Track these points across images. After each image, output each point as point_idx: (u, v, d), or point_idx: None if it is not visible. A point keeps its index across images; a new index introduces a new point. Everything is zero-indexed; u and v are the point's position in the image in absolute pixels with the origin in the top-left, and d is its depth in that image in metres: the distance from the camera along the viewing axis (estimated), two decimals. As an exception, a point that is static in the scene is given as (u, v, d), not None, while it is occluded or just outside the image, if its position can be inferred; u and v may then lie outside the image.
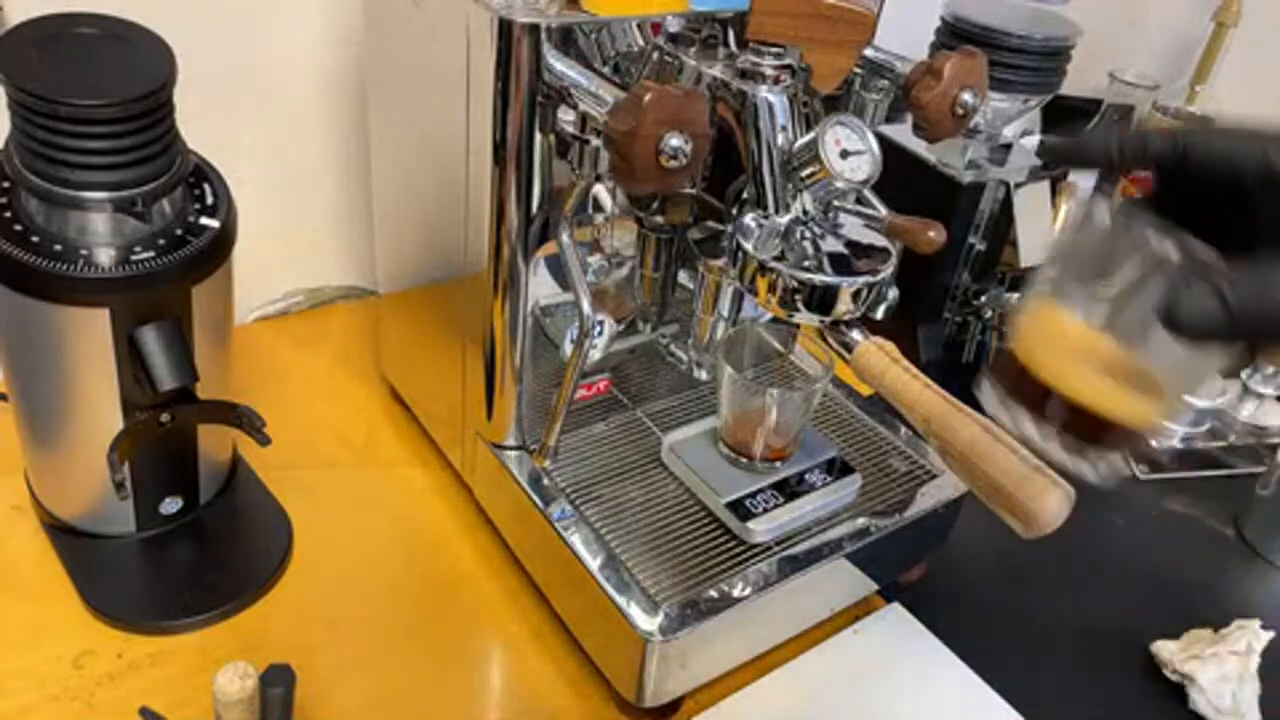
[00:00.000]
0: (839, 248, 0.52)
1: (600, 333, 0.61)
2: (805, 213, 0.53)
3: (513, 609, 0.66)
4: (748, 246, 0.51)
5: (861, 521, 0.64)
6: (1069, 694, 0.66)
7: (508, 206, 0.57)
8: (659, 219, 0.61)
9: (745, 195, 0.53)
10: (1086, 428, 0.36)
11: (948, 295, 0.93)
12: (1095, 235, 0.35)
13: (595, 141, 0.52)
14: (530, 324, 0.62)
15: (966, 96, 0.54)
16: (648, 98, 0.44)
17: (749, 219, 0.52)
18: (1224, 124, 0.35)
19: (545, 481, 0.64)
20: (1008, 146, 0.92)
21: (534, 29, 0.51)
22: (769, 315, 0.67)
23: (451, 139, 0.59)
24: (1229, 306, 0.30)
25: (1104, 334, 0.35)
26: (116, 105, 0.51)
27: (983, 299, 0.92)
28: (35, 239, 0.53)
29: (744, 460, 0.65)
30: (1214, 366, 0.35)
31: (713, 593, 0.58)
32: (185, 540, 0.66)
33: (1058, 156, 0.38)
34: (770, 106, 0.52)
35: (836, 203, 0.54)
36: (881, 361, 0.50)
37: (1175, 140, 0.35)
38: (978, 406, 0.45)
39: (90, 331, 0.55)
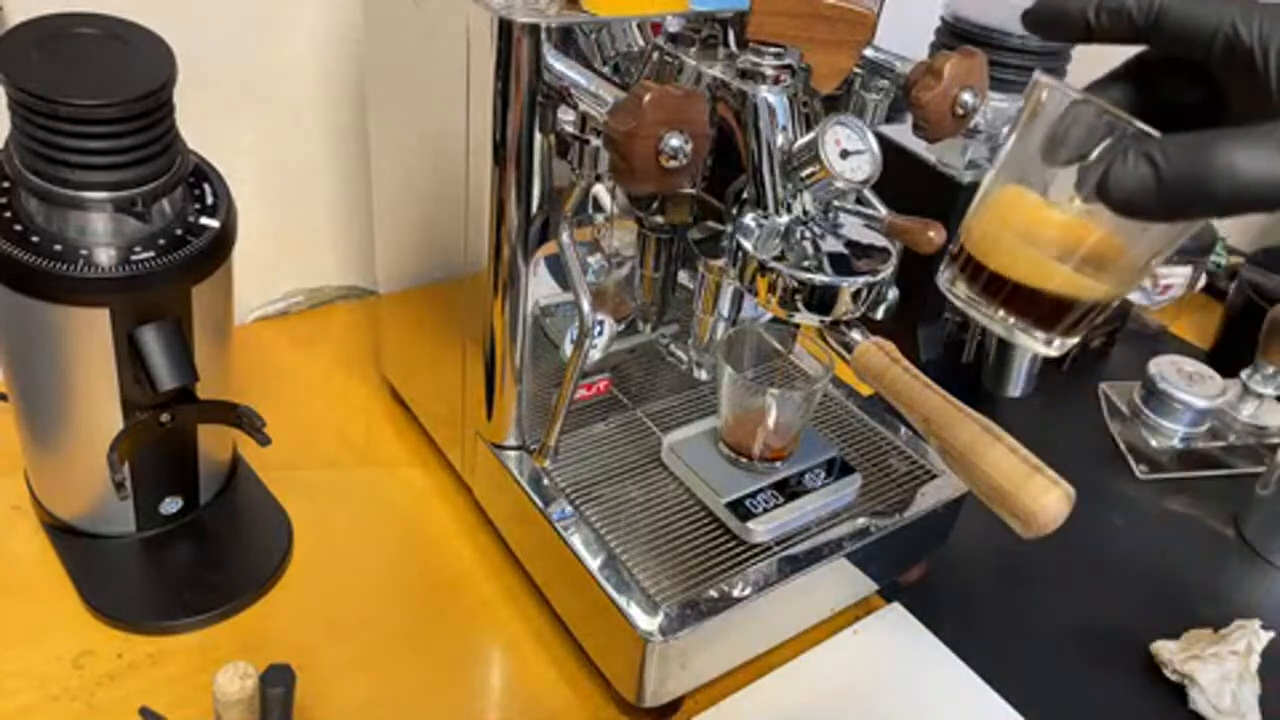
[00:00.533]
0: (839, 248, 0.52)
1: (600, 333, 0.61)
2: (805, 213, 0.53)
3: (513, 609, 0.66)
4: (748, 246, 0.51)
5: (861, 521, 0.64)
6: (1069, 694, 0.66)
7: (508, 206, 0.57)
8: (659, 219, 0.61)
9: (745, 195, 0.53)
10: (1038, 309, 0.37)
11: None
12: (1050, 117, 0.35)
13: (595, 141, 0.52)
14: (530, 324, 0.62)
15: (966, 96, 0.54)
16: (648, 98, 0.44)
17: (749, 219, 0.52)
18: None
19: (545, 481, 0.64)
20: (1008, 147, 0.92)
21: (534, 29, 0.51)
22: (769, 315, 0.67)
23: (451, 139, 0.59)
24: (1160, 175, 0.30)
25: (1056, 214, 0.36)
26: (116, 105, 0.51)
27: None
28: (35, 239, 0.53)
29: (744, 460, 0.65)
30: (1165, 243, 0.35)
31: (713, 593, 0.58)
32: (185, 540, 0.66)
33: (1039, 21, 0.37)
34: (770, 106, 0.52)
35: (836, 203, 0.54)
36: (881, 361, 0.50)
37: (1151, 1, 0.34)
38: (978, 406, 0.46)
39: (90, 331, 0.55)
